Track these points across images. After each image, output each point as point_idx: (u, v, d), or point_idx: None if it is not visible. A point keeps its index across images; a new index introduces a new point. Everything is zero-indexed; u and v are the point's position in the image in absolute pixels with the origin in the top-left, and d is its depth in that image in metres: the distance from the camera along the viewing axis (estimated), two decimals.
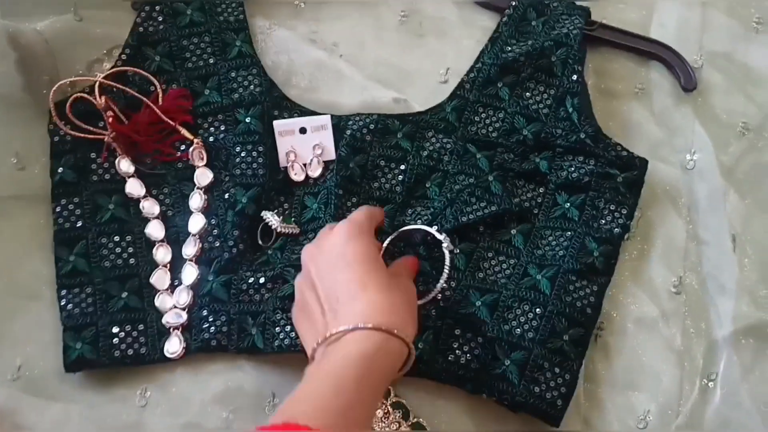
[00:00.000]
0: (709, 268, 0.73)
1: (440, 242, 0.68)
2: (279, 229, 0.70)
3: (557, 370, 0.66)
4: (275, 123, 0.74)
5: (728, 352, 0.70)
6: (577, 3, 0.82)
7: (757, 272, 0.73)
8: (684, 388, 0.69)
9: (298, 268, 0.67)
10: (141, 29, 0.77)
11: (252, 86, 0.76)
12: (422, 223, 0.71)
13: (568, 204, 0.73)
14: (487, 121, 0.77)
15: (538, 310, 0.68)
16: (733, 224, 0.74)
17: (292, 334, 0.66)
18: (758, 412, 0.68)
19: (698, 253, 0.74)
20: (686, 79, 0.80)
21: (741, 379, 0.69)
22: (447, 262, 0.67)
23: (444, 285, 0.67)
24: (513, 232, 0.73)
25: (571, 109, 0.75)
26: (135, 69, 0.76)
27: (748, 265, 0.73)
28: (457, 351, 0.68)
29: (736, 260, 0.73)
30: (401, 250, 0.71)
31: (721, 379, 0.69)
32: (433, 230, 0.68)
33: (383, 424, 0.67)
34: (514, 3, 0.81)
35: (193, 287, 0.70)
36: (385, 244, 0.68)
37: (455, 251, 0.71)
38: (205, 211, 0.73)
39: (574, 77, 0.76)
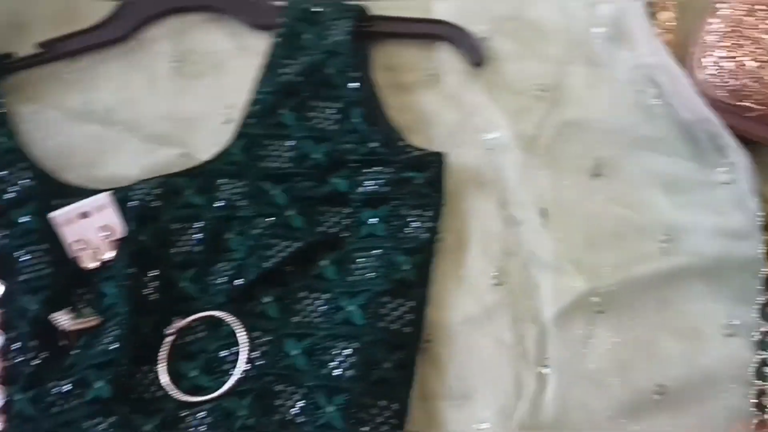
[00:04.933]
0: (528, 249, 0.74)
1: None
2: (71, 329, 0.71)
3: (383, 402, 0.68)
4: (51, 215, 0.75)
5: (557, 333, 0.71)
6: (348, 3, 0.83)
7: (574, 242, 0.74)
8: (521, 382, 0.70)
9: (99, 367, 0.69)
10: None
11: (23, 181, 0.76)
12: (228, 280, 0.73)
13: (373, 219, 0.74)
14: (277, 153, 0.78)
15: (354, 344, 0.69)
16: (543, 197, 0.76)
17: None
18: (595, 387, 0.69)
19: (515, 235, 0.75)
20: (473, 54, 0.82)
21: (573, 357, 0.71)
22: (241, 343, 0.68)
23: (245, 368, 0.67)
24: (324, 263, 0.74)
25: (357, 120, 0.77)
26: None
27: (564, 237, 0.75)
28: (281, 409, 0.69)
29: (550, 235, 0.74)
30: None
31: (554, 361, 0.70)
32: (215, 313, 0.67)
33: None
34: (282, 20, 0.82)
35: (4, 411, 0.71)
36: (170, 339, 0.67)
37: (267, 300, 0.72)
38: (3, 326, 0.74)
39: (354, 85, 0.77)
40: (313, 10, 0.82)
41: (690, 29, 0.80)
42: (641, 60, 0.80)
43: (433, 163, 0.75)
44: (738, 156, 0.74)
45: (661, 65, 0.78)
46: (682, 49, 0.80)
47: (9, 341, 0.73)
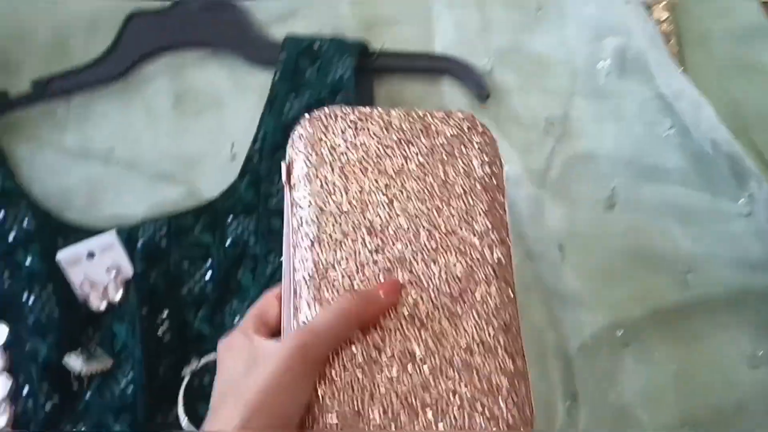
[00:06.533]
0: (548, 283, 0.76)
1: None
2: (84, 372, 0.71)
3: None
4: (58, 255, 0.74)
5: (583, 366, 0.72)
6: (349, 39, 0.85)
7: (592, 276, 0.76)
8: (551, 416, 0.71)
9: (117, 411, 0.68)
10: None
11: (24, 223, 0.76)
12: (242, 318, 0.73)
13: None
14: None
15: None
16: (559, 231, 0.77)
17: None
18: (624, 420, 0.70)
19: (534, 269, 0.76)
20: (478, 88, 0.84)
21: (601, 390, 0.71)
22: None
23: None
24: None
25: None
26: None
27: (582, 271, 0.76)
28: None
29: (569, 269, 0.76)
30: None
31: (582, 395, 0.71)
32: None
33: None
34: (283, 56, 0.84)
35: None
36: (186, 379, 0.69)
37: None
38: (10, 370, 0.73)
39: None
40: (314, 46, 0.84)
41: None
42: (657, 91, 0.83)
43: None
44: (759, 186, 0.76)
45: (683, 94, 0.81)
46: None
47: (18, 385, 0.72)
